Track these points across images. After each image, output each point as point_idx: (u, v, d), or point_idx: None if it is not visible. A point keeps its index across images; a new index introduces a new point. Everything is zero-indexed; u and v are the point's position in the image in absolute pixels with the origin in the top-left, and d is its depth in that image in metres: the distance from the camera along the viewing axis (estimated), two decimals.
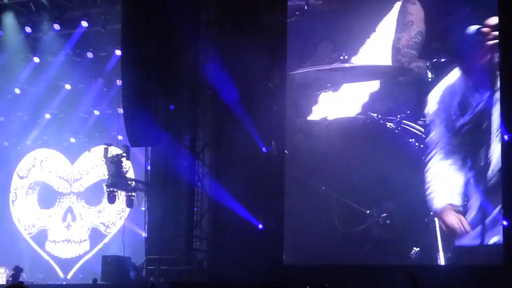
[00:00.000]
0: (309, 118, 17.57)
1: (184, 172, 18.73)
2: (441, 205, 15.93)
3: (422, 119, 16.42)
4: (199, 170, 18.82)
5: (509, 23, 15.70)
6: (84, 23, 20.86)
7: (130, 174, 20.86)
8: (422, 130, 16.38)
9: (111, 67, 21.39)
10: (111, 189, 19.13)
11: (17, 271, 19.38)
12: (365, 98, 17.09)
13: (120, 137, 20.86)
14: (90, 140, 23.32)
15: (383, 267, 16.03)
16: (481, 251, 15.39)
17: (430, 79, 16.37)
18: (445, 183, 15.98)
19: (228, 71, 17.96)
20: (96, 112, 22.74)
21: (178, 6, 18.52)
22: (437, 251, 15.79)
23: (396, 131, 16.58)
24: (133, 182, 19.58)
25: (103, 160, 19.84)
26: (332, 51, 17.43)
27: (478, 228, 15.50)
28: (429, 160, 16.20)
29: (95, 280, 17.71)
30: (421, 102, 16.46)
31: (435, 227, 15.87)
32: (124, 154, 18.98)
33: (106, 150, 19.56)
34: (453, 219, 15.72)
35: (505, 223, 15.24)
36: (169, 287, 16.59)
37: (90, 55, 21.51)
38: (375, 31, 16.99)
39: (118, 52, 20.24)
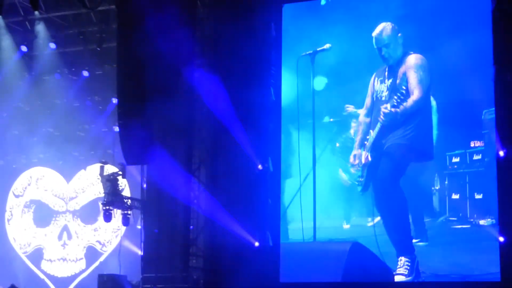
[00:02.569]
0: None
1: (180, 190, 18.67)
2: None
3: None
4: (195, 188, 18.77)
5: (503, 39, 15.72)
6: (80, 42, 20.90)
7: (126, 192, 20.79)
8: None
9: (107, 86, 21.40)
10: (107, 207, 19.06)
11: None
12: None
13: (115, 155, 20.82)
14: (86, 158, 23.27)
15: (380, 284, 15.98)
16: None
17: None
18: None
19: (224, 88, 17.98)
20: (92, 130, 22.71)
21: (174, 24, 18.55)
22: None
23: None
24: (129, 200, 19.53)
25: (99, 179, 19.78)
26: None
27: None
28: None
29: None
30: None
31: None
32: (120, 172, 18.93)
33: (102, 168, 19.50)
34: None
35: (501, 239, 15.19)
36: None
37: (85, 73, 21.57)
38: None
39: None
